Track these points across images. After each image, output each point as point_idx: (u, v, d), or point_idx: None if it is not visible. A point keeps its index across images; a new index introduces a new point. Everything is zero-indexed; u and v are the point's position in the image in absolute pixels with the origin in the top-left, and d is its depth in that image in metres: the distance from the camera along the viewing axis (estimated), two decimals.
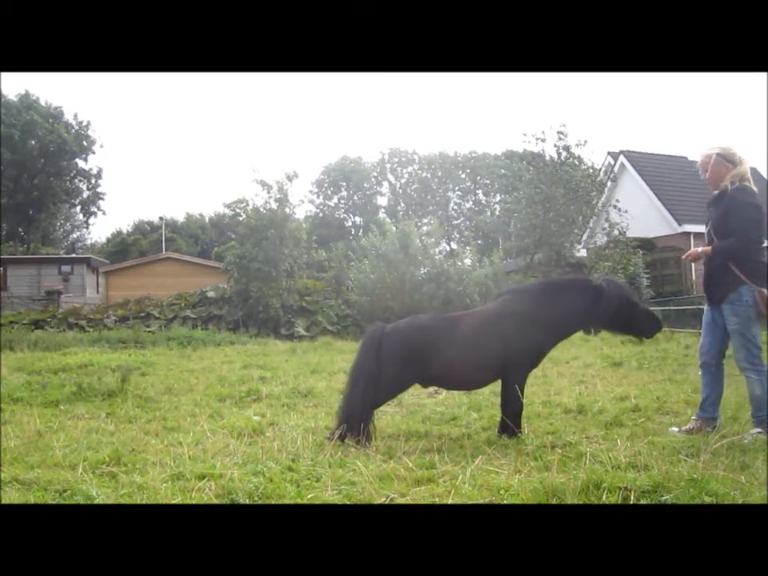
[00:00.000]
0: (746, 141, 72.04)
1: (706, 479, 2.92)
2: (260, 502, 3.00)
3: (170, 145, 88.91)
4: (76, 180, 45.42)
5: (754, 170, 29.88)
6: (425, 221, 29.87)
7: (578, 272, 17.13)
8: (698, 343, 4.67)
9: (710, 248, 4.34)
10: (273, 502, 3.00)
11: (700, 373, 4.58)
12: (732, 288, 4.23)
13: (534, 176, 20.59)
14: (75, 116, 43.76)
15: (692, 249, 4.59)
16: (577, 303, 4.48)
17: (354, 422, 4.21)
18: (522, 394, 4.44)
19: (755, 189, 4.34)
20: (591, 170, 21.58)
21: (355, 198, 50.45)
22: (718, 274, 4.32)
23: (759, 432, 4.12)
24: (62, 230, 50.03)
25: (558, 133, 20.46)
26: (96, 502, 2.96)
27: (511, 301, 4.60)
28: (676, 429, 4.49)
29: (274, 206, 19.85)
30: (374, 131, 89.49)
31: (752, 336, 4.24)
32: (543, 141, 20.78)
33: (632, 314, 4.55)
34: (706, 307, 4.54)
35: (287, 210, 20.09)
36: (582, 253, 21.16)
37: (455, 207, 51.05)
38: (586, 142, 20.80)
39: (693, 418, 4.53)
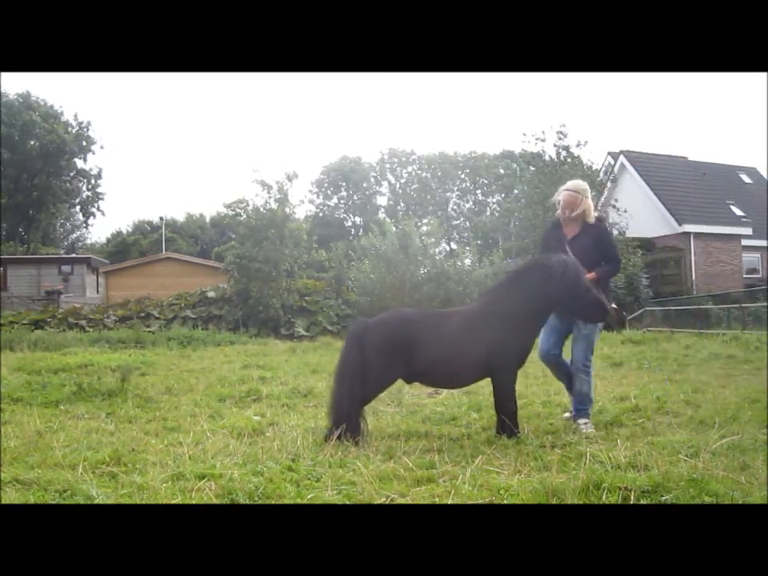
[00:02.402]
0: (746, 141, 72.09)
1: (705, 479, 2.92)
2: (260, 501, 3.00)
3: (170, 145, 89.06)
4: (76, 180, 45.49)
5: (753, 170, 29.96)
6: (425, 221, 29.82)
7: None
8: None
9: (594, 274, 4.68)
10: (273, 502, 3.00)
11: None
12: None
13: (534, 176, 20.61)
14: (75, 116, 43.94)
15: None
16: (540, 287, 4.38)
17: (344, 420, 4.21)
18: (514, 393, 4.44)
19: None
20: (591, 171, 21.60)
21: (355, 197, 50.42)
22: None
23: (586, 423, 4.65)
24: (62, 229, 50.05)
25: (558, 133, 20.49)
26: (96, 501, 2.96)
27: (493, 300, 4.59)
28: (567, 414, 5.00)
29: (274, 206, 19.86)
30: (373, 131, 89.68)
31: (592, 342, 4.85)
32: (543, 141, 20.82)
33: (582, 297, 4.41)
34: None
35: (287, 210, 20.11)
36: None
37: (455, 207, 51.06)
38: (586, 143, 20.84)
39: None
